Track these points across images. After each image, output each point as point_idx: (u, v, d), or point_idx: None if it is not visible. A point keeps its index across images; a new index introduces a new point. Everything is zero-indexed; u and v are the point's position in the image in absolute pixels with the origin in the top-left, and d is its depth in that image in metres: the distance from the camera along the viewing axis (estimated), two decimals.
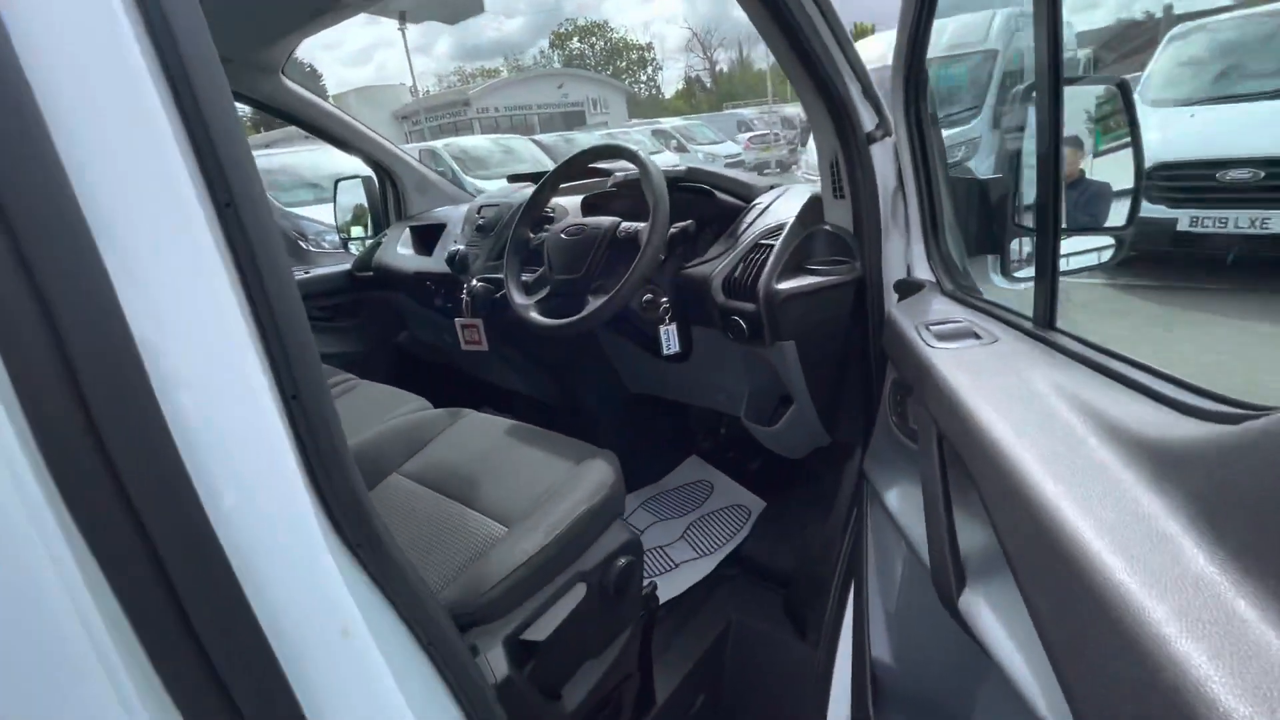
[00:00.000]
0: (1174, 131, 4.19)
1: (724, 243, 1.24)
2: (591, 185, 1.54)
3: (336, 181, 2.36)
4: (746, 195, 1.29)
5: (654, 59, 49.16)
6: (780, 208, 1.24)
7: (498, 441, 1.17)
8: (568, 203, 1.57)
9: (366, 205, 2.34)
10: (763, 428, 1.30)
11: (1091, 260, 1.10)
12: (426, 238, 2.12)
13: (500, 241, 1.60)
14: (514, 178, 1.86)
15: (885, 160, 1.12)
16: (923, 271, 1.10)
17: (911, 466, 0.95)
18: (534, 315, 1.20)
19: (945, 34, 6.38)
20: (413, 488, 1.09)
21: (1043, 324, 0.74)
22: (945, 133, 5.93)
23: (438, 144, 9.21)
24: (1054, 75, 0.64)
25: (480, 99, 26.72)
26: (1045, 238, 0.72)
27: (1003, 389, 0.63)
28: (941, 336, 0.81)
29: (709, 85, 48.68)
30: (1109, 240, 1.10)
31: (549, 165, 8.48)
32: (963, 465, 0.64)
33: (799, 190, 1.30)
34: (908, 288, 1.10)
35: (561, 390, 1.79)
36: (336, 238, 2.40)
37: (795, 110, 21.23)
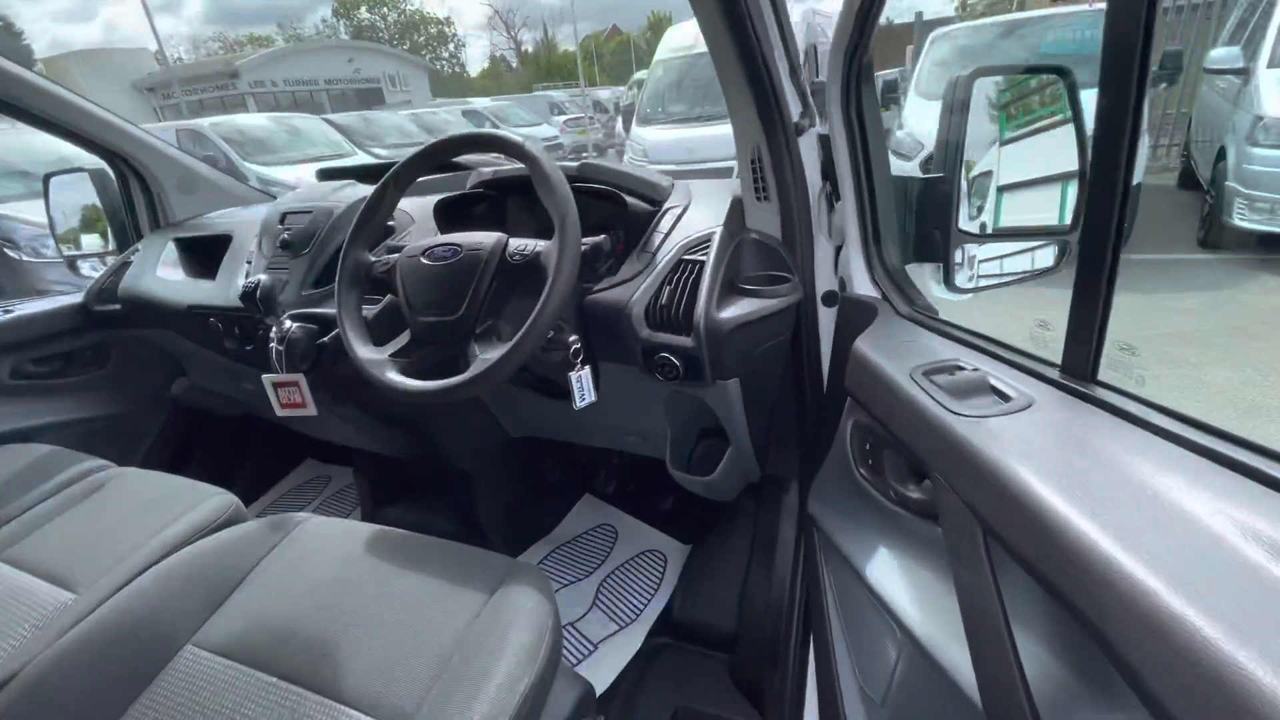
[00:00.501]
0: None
1: (637, 260, 0.99)
2: (436, 185, 1.19)
3: (47, 177, 1.68)
4: (655, 197, 1.05)
5: (455, 35, 46.37)
6: (698, 215, 1.02)
7: (357, 568, 0.82)
8: (413, 210, 1.20)
9: (101, 210, 1.70)
10: (696, 478, 1.09)
11: (1025, 264, 1.04)
12: (202, 254, 1.58)
13: (318, 264, 1.19)
14: (327, 173, 1.42)
15: (811, 155, 0.95)
16: (864, 286, 0.96)
17: (879, 519, 0.80)
18: (392, 376, 0.85)
19: None
20: (221, 668, 0.71)
21: (1082, 375, 0.60)
22: None
23: (203, 122, 7.62)
24: (1141, 56, 0.49)
25: (252, 71, 22.97)
26: (1095, 262, 0.57)
27: (1100, 490, 0.47)
28: (955, 394, 0.64)
29: (515, 65, 47.23)
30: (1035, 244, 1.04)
31: (349, 149, 7.45)
32: (1013, 571, 0.49)
33: (712, 190, 1.09)
34: (852, 307, 0.95)
35: (422, 445, 1.42)
36: (51, 229, 1.72)
37: (607, 93, 21.36)
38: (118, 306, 1.53)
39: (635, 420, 1.17)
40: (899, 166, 4.86)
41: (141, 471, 1.18)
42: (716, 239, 0.94)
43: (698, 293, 0.90)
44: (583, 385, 0.92)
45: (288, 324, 1.07)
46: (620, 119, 10.56)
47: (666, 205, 1.04)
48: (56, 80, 1.49)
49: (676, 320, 0.92)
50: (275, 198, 1.91)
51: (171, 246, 1.57)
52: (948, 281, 1.00)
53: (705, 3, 0.77)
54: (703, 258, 0.94)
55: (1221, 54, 3.95)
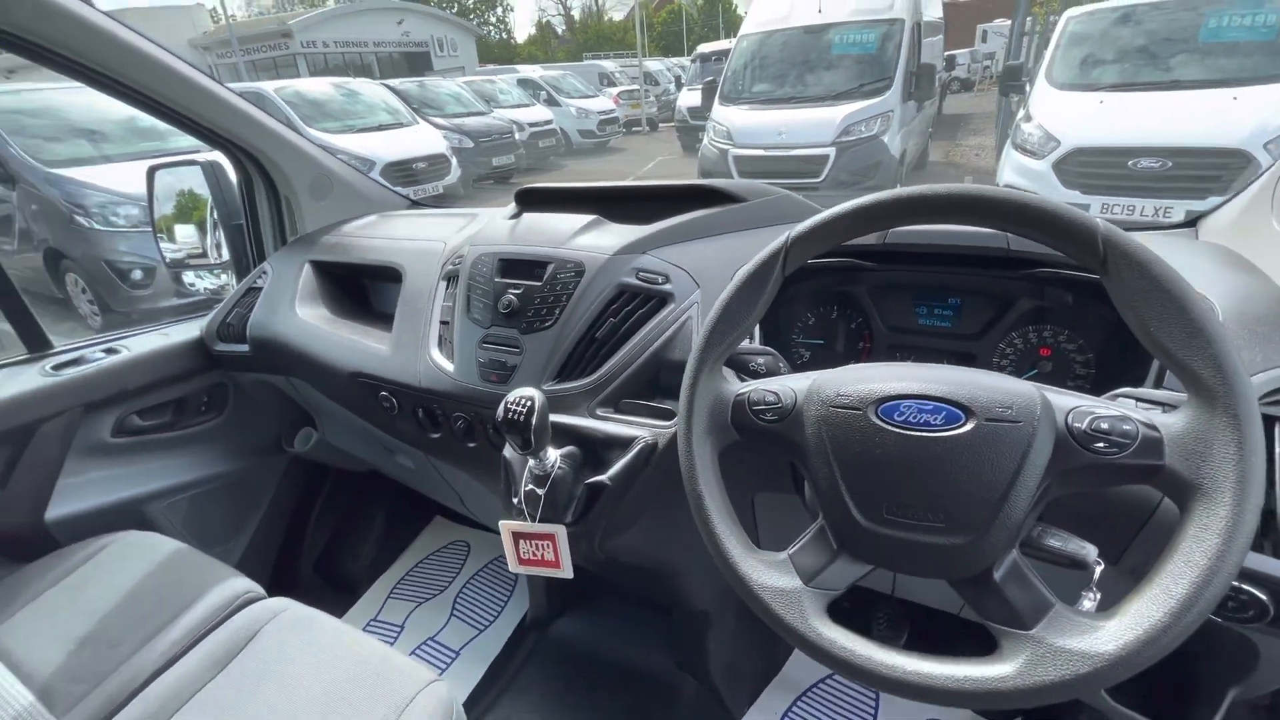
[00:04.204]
0: (1085, 117, 4.20)
1: None
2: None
3: (151, 170, 1.33)
4: None
5: None
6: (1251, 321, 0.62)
7: (296, 672, 0.76)
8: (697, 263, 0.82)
9: (211, 214, 1.35)
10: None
11: None
12: (350, 288, 1.23)
13: (563, 347, 0.81)
14: (529, 195, 1.03)
15: None
16: None
17: None
18: (834, 638, 0.49)
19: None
20: None
21: None
22: (861, 104, 5.68)
23: (266, 86, 7.31)
24: None
25: (304, 31, 22.61)
26: None
27: None
28: None
29: (561, 32, 46.02)
30: None
31: (408, 118, 7.14)
32: None
33: (1198, 262, 0.68)
34: None
35: (656, 585, 1.09)
36: (133, 211, 1.39)
37: (658, 65, 20.54)
38: (244, 348, 1.20)
39: None
40: (1021, 165, 4.32)
41: (301, 613, 0.84)
42: None
43: None
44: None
45: (552, 457, 0.70)
46: (690, 92, 9.95)
47: None
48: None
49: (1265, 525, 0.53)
50: (411, 201, 1.54)
51: (309, 273, 1.23)
52: None
53: None
54: None
55: None
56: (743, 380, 0.60)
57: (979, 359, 0.75)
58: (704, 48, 13.41)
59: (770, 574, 0.52)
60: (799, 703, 1.15)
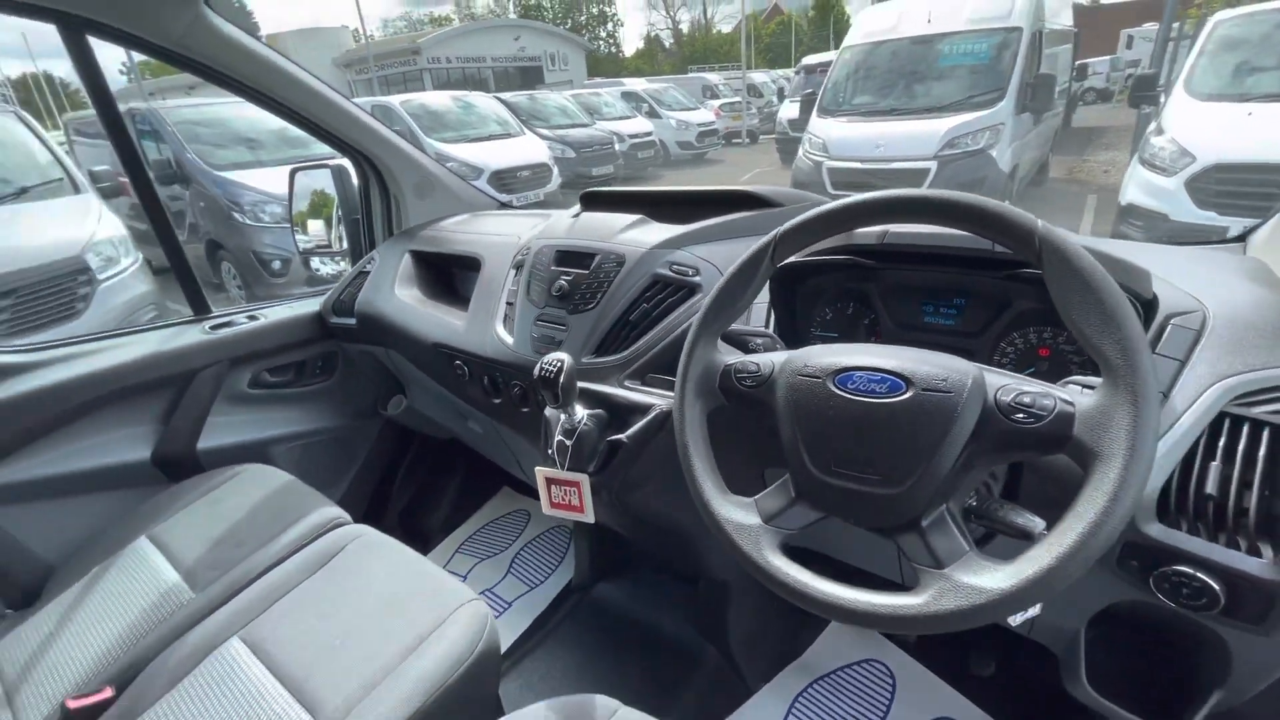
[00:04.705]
0: (1229, 130, 3.81)
1: None
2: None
3: (293, 172, 1.60)
4: (1140, 294, 0.69)
5: (614, 14, 46.76)
6: (1243, 334, 0.65)
7: (366, 580, 0.94)
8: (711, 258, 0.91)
9: (337, 210, 1.60)
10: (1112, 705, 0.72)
11: None
12: (441, 275, 1.42)
13: (603, 326, 0.94)
14: (594, 197, 1.17)
15: None
16: None
17: None
18: (781, 565, 0.57)
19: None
20: (246, 665, 0.82)
21: None
22: (968, 116, 5.44)
23: (394, 100, 8.06)
24: None
25: (431, 48, 24.52)
26: None
27: None
28: None
29: (669, 46, 46.79)
30: None
31: (516, 129, 7.54)
32: None
33: (1215, 274, 0.70)
34: None
35: (682, 551, 1.19)
36: (278, 209, 1.66)
37: (763, 77, 20.43)
38: (352, 321, 1.42)
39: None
40: (1147, 182, 3.97)
41: (376, 538, 1.02)
42: None
43: None
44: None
45: (580, 414, 0.83)
46: (791, 104, 9.87)
47: (1171, 311, 0.67)
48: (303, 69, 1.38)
49: (1233, 521, 0.56)
50: (501, 204, 1.74)
51: (409, 261, 1.43)
52: None
53: None
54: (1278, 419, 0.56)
55: None
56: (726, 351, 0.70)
57: (977, 355, 0.80)
58: (810, 59, 13.24)
59: (736, 512, 0.61)
60: (814, 686, 1.20)
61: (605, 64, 41.26)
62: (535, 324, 1.00)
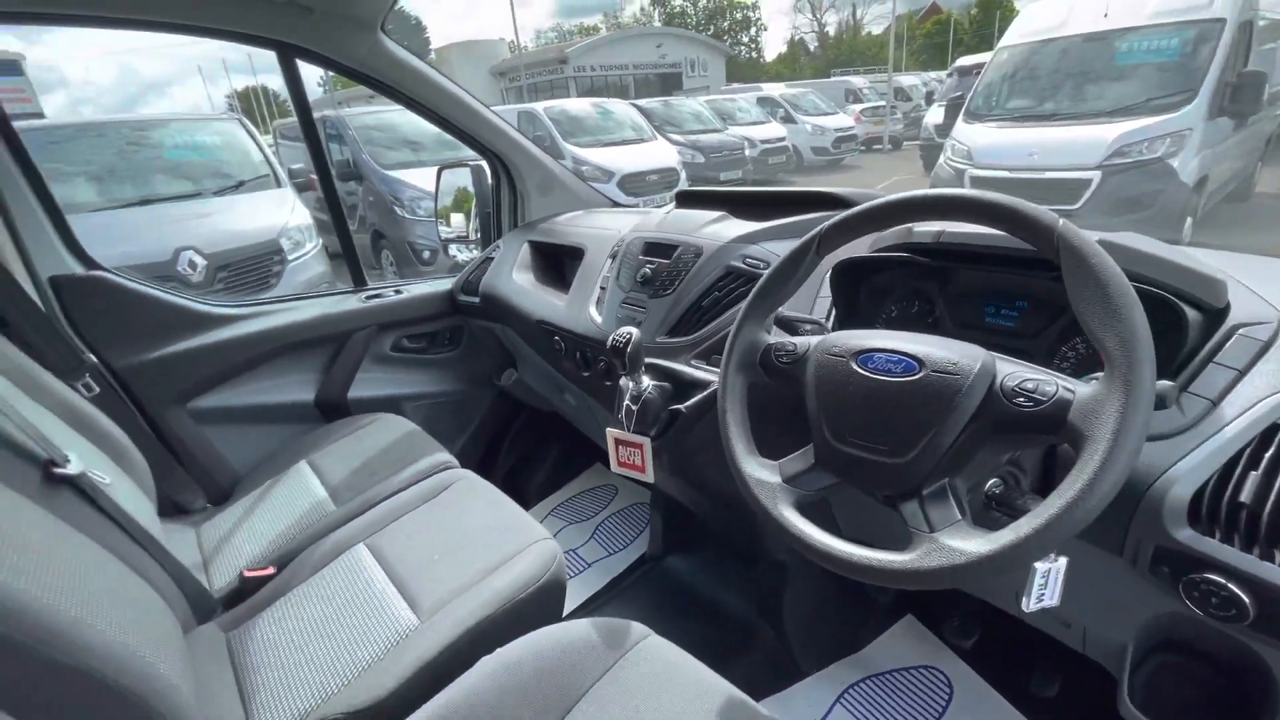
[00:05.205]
0: None
1: (1180, 407, 0.63)
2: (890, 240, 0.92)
3: (440, 170, 1.86)
4: (1210, 303, 0.68)
5: (758, 19, 46.38)
6: None
7: (464, 512, 1.12)
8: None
9: (474, 205, 1.83)
10: None
11: None
12: (553, 261, 1.59)
13: (678, 310, 1.04)
14: (687, 196, 1.28)
15: None
16: None
17: None
18: (790, 516, 0.64)
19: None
20: (368, 565, 1.03)
21: None
22: (1144, 121, 4.84)
23: (538, 106, 8.67)
24: None
25: (578, 57, 25.88)
26: None
27: None
28: None
29: (813, 49, 45.54)
30: None
31: (649, 134, 7.75)
32: None
33: None
34: None
35: (743, 527, 1.27)
36: (431, 204, 1.93)
37: (913, 80, 19.29)
38: (476, 299, 1.63)
39: (1076, 610, 0.81)
40: None
41: (479, 482, 1.19)
42: None
43: None
44: (1048, 581, 0.60)
45: (646, 382, 0.94)
46: (938, 108, 9.30)
47: (1242, 322, 0.65)
48: (446, 66, 1.61)
49: (1267, 533, 0.55)
50: (614, 204, 1.89)
51: (526, 249, 1.62)
52: None
53: None
54: None
55: None
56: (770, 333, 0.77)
57: (1035, 358, 0.80)
58: (964, 60, 12.33)
59: (760, 470, 0.69)
60: (868, 681, 1.22)
61: (745, 69, 41.04)
62: (621, 305, 1.12)
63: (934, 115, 10.05)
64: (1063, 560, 0.59)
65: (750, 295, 0.76)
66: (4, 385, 0.90)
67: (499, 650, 0.77)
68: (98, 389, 1.25)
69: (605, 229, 1.42)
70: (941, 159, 5.93)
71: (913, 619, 1.31)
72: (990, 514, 0.64)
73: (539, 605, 0.93)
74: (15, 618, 0.52)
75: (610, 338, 0.90)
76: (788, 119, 12.21)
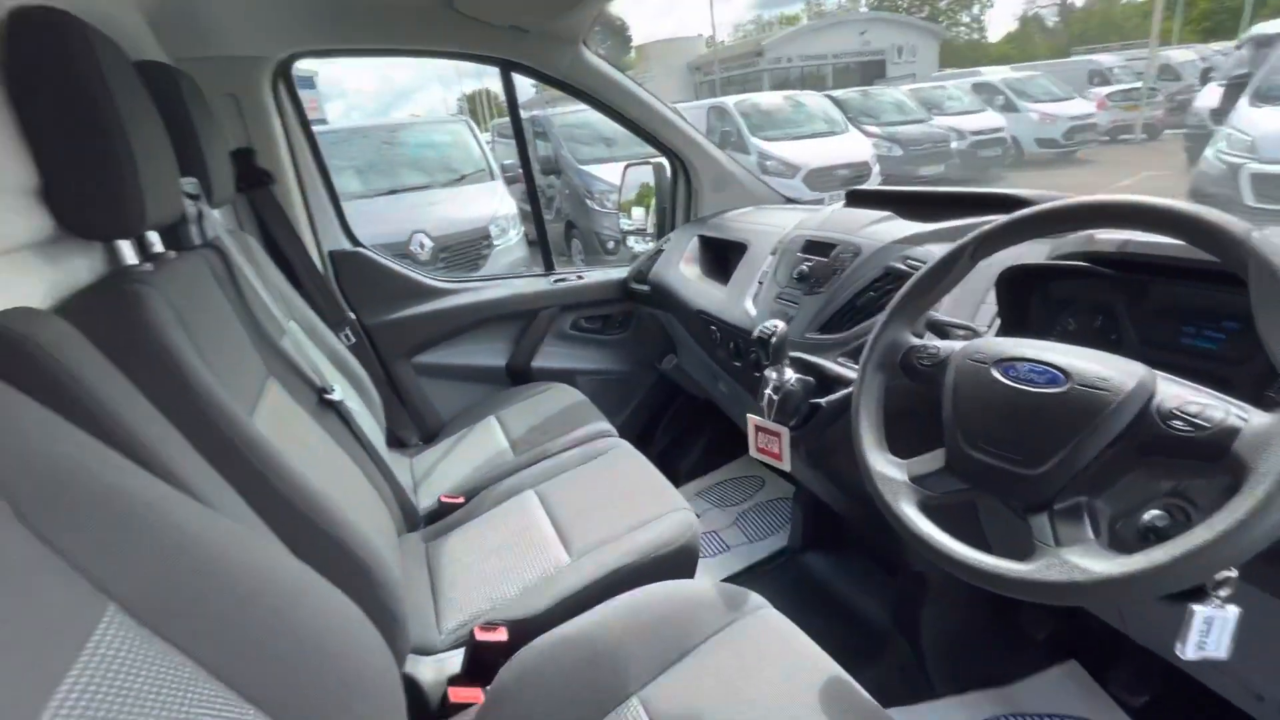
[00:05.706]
0: None
1: None
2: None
3: (626, 167, 2.03)
4: None
5: None
6: None
7: (618, 476, 1.25)
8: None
9: (654, 200, 1.97)
10: None
11: None
12: (719, 255, 1.67)
13: (831, 308, 1.06)
14: (857, 195, 1.28)
15: None
16: None
17: None
18: (910, 513, 0.66)
19: None
20: (534, 508, 1.20)
21: None
22: None
23: (729, 100, 8.72)
24: None
25: (775, 49, 25.39)
26: None
27: None
28: None
29: (1051, 24, 39.57)
30: None
31: (841, 125, 7.38)
32: None
33: None
34: None
35: (879, 530, 1.25)
36: (618, 198, 2.13)
37: (1186, 54, 15.91)
38: (646, 288, 1.77)
39: (1274, 682, 0.71)
40: None
41: (634, 453, 1.32)
42: None
43: None
44: (1210, 629, 0.55)
45: (788, 374, 0.98)
46: (1217, 88, 7.59)
47: None
48: (645, 61, 1.76)
49: None
50: (788, 201, 1.91)
51: (695, 243, 1.72)
52: None
53: None
54: None
55: None
56: (917, 335, 0.77)
57: (1239, 387, 0.70)
58: (1264, 27, 9.92)
59: (888, 467, 0.71)
60: (1011, 719, 1.14)
61: (963, 52, 37.03)
62: (775, 300, 1.17)
63: (1208, 97, 8.22)
64: (1232, 611, 0.54)
65: (897, 296, 0.77)
66: (297, 331, 1.21)
67: (629, 593, 0.88)
68: (353, 340, 1.59)
69: (770, 225, 1.47)
70: (1208, 151, 4.89)
71: (1077, 665, 1.19)
72: (1144, 546, 0.60)
73: (672, 565, 1.02)
74: (299, 493, 0.74)
75: (757, 329, 0.95)
76: (1009, 107, 10.85)
